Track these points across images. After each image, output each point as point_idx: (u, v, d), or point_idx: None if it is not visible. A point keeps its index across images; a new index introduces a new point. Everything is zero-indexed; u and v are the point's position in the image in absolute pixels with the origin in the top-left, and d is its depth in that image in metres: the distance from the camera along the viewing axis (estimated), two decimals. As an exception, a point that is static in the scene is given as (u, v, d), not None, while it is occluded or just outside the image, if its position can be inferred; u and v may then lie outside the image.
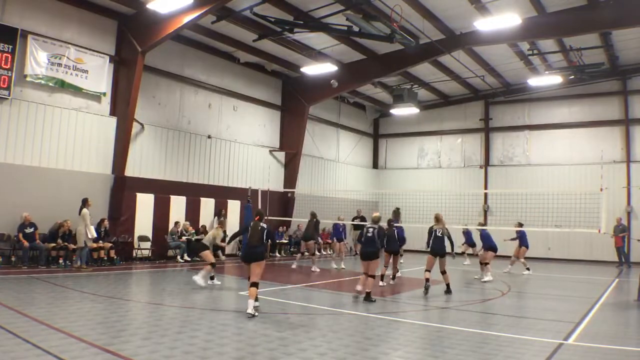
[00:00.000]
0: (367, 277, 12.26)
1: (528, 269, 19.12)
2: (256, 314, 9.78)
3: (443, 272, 13.73)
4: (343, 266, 19.99)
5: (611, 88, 26.95)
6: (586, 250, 25.34)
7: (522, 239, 19.34)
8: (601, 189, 14.84)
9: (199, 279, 13.18)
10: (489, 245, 17.27)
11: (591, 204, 17.31)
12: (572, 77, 24.78)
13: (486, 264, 16.89)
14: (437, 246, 13.68)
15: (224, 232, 15.35)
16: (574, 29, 19.87)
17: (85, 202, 16.31)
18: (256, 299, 10.14)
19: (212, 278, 13.88)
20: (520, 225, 19.26)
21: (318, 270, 18.41)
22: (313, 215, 19.16)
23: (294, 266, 19.14)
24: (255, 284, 10.05)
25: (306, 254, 19.69)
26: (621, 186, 24.37)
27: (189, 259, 19.69)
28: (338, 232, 20.64)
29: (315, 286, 14.74)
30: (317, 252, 19.02)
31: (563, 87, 26.86)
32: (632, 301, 13.34)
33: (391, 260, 15.56)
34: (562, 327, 9.71)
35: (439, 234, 13.71)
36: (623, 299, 14.24)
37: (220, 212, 21.45)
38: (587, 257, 25.34)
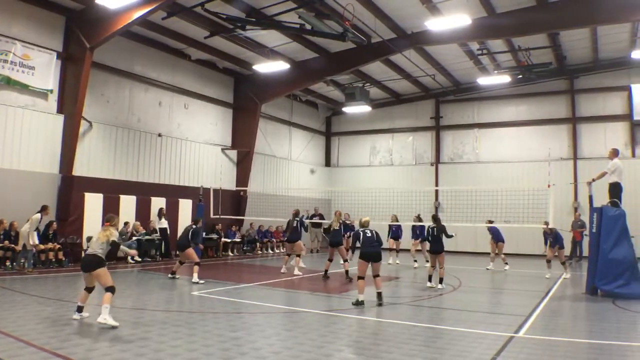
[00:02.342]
0: (374, 277, 11.69)
1: (507, 263, 19.48)
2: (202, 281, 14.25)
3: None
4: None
5: (559, 87, 27.64)
6: (535, 245, 25.83)
7: (496, 234, 19.61)
8: (549, 185, 15.19)
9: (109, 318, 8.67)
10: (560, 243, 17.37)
11: (539, 199, 17.71)
12: (521, 76, 25.25)
13: (564, 262, 17.31)
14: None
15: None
16: (522, 30, 20.25)
17: (43, 209, 16.07)
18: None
19: (79, 310, 9.35)
20: (491, 222, 19.41)
21: (301, 274, 17.07)
22: (295, 214, 18.26)
23: (282, 270, 17.52)
24: (197, 263, 14.77)
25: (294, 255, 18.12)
26: (568, 182, 24.96)
27: (139, 260, 19.37)
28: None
29: (270, 285, 14.68)
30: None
31: (512, 86, 27.41)
32: (580, 294, 13.68)
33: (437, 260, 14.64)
34: (512, 320, 9.90)
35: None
36: (572, 291, 14.58)
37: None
38: (536, 252, 25.86)
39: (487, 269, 19.50)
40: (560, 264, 17.44)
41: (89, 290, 9.30)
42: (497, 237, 19.58)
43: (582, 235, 23.01)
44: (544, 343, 8.22)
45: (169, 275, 15.21)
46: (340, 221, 16.96)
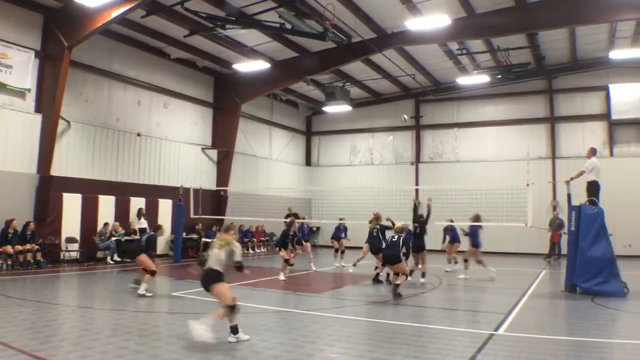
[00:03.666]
0: (400, 275, 12.86)
1: (456, 262, 19.13)
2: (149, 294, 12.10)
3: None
4: (314, 268, 18.59)
5: (537, 87, 27.92)
6: (515, 243, 26.05)
7: (454, 234, 19.45)
8: (527, 184, 15.27)
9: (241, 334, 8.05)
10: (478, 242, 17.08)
11: (518, 198, 17.79)
12: (500, 76, 25.48)
13: (467, 260, 16.98)
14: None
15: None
16: (501, 30, 20.43)
17: None
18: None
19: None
20: (452, 221, 19.33)
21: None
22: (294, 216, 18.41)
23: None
24: (152, 272, 12.52)
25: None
26: (547, 181, 25.20)
27: (119, 260, 19.24)
28: (303, 233, 19.66)
29: (251, 285, 14.60)
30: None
31: (491, 86, 27.61)
32: (559, 291, 13.81)
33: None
34: (492, 318, 9.98)
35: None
36: (551, 289, 14.73)
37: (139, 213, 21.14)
38: (516, 250, 26.10)
39: (447, 271, 18.83)
40: (463, 260, 17.17)
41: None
42: (454, 237, 19.28)
43: (561, 235, 23.07)
44: (523, 340, 8.26)
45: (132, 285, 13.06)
46: (378, 225, 16.06)
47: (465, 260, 17.09)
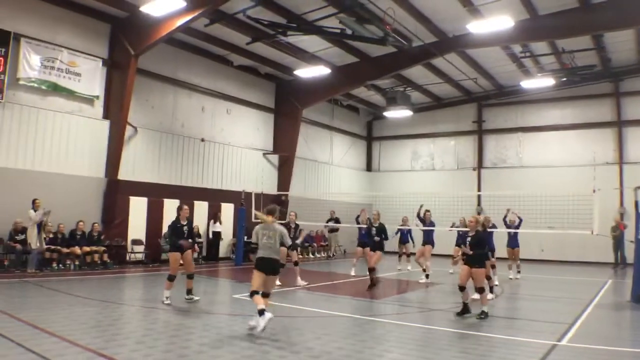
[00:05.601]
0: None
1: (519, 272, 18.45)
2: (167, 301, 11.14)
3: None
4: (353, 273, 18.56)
5: (603, 90, 27.05)
6: (580, 252, 25.37)
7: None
8: (593, 191, 14.87)
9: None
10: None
11: (584, 205, 17.34)
12: (565, 79, 24.88)
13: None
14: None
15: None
16: (566, 31, 19.90)
17: (32, 203, 15.51)
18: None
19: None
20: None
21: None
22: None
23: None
24: (169, 276, 11.37)
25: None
26: (613, 187, 24.44)
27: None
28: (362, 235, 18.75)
29: (311, 289, 14.61)
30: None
31: (555, 89, 26.90)
32: (625, 302, 13.39)
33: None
34: (555, 328, 9.73)
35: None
36: (617, 299, 14.29)
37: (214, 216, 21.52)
38: (582, 259, 25.39)
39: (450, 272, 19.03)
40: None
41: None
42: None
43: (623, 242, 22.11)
44: (587, 351, 8.06)
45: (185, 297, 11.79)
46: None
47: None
